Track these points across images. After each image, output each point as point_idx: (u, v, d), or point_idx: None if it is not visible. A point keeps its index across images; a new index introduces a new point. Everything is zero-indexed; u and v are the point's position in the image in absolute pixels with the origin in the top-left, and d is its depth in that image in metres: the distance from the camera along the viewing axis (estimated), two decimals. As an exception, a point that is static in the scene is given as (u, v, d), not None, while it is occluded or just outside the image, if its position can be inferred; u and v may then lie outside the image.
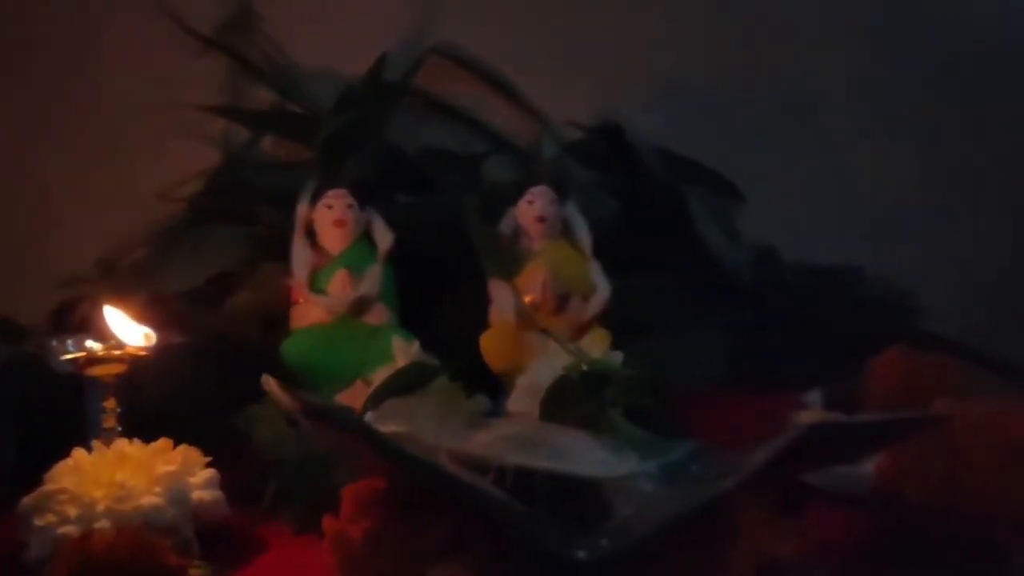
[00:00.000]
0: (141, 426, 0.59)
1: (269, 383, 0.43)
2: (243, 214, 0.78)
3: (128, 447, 0.54)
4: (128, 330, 0.56)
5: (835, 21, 0.92)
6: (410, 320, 0.74)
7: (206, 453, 0.58)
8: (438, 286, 0.77)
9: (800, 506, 0.47)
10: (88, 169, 0.84)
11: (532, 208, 0.73)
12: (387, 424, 0.46)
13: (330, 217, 0.71)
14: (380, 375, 0.68)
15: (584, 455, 0.43)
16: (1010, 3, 0.93)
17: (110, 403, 0.57)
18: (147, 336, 0.55)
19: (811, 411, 0.65)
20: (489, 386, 0.71)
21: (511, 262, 0.72)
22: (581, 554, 0.40)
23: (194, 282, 0.74)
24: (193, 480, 0.53)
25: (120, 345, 0.56)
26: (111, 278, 0.79)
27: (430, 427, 0.45)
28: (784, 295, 0.85)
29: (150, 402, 0.60)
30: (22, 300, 0.78)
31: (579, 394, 0.63)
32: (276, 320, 0.73)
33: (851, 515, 0.52)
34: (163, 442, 0.55)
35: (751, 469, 0.41)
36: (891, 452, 0.50)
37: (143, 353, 0.55)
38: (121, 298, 0.71)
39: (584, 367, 0.64)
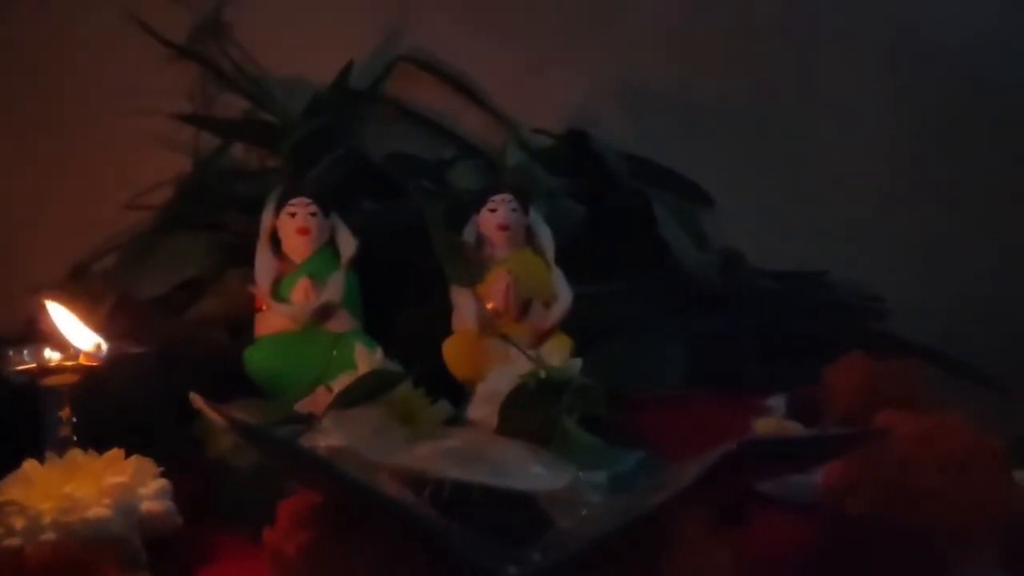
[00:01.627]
0: (100, 436, 0.60)
1: (197, 400, 0.43)
2: (212, 221, 0.78)
3: (80, 457, 0.54)
4: (81, 337, 0.57)
5: (803, 26, 0.92)
6: (375, 327, 0.74)
7: (164, 462, 0.58)
8: (404, 293, 0.77)
9: (740, 522, 0.47)
10: (60, 176, 0.85)
11: (494, 216, 0.73)
12: (326, 438, 0.46)
13: (293, 225, 0.71)
14: (342, 382, 0.69)
15: (520, 469, 0.43)
16: (981, 9, 0.94)
17: (65, 413, 0.57)
18: (97, 346, 0.56)
19: (766, 419, 0.66)
20: (453, 393, 0.72)
21: (473, 269, 0.73)
22: (512, 570, 0.40)
23: (163, 289, 0.75)
24: (143, 491, 0.53)
25: (74, 355, 0.57)
26: (83, 284, 0.80)
27: (371, 441, 0.45)
28: (751, 300, 0.86)
29: (108, 411, 0.61)
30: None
31: (535, 402, 0.63)
32: (242, 327, 0.74)
33: (798, 524, 0.52)
34: (114, 452, 0.55)
35: (683, 485, 0.41)
36: (836, 462, 0.50)
37: (95, 363, 0.56)
38: (90, 305, 0.73)
39: (541, 375, 0.65)
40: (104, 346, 0.56)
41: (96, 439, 0.59)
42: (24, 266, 0.82)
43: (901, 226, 0.93)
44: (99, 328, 0.69)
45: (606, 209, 0.83)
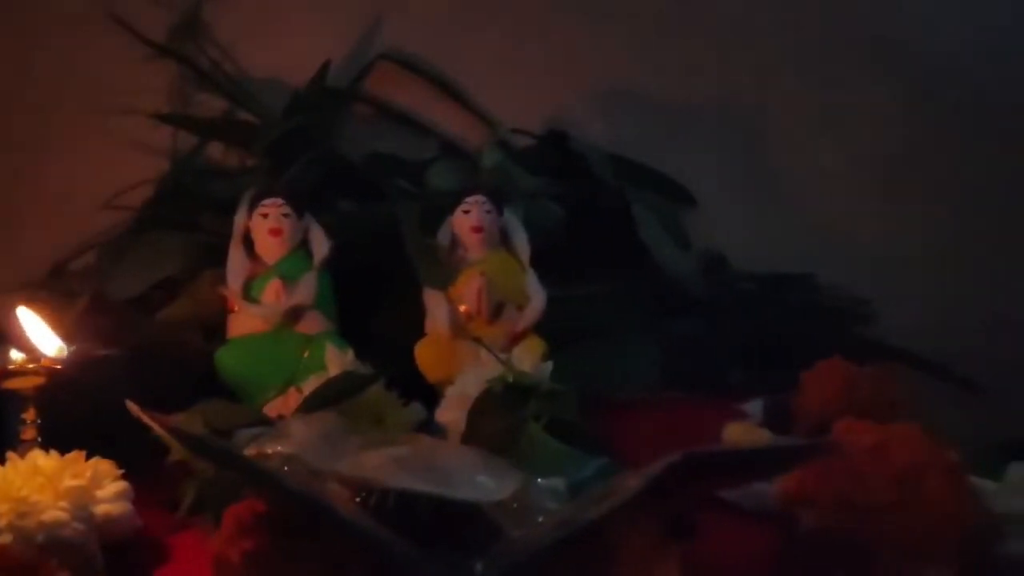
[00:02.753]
0: (65, 438, 0.60)
1: (135, 409, 0.43)
2: (188, 221, 0.78)
3: (41, 460, 0.54)
4: (44, 341, 0.57)
5: (787, 26, 0.91)
6: (350, 328, 0.74)
7: (128, 465, 0.59)
8: (380, 295, 0.77)
9: (691, 532, 0.47)
10: (39, 175, 0.85)
11: (468, 218, 0.73)
12: (275, 445, 0.46)
13: (265, 226, 0.71)
14: (312, 384, 0.69)
15: (467, 479, 0.43)
16: (971, 12, 0.92)
17: (29, 415, 0.58)
18: (60, 349, 0.56)
19: (736, 425, 0.65)
20: (428, 395, 0.72)
21: (446, 271, 0.72)
22: (451, 581, 0.40)
23: (138, 289, 0.75)
24: (101, 493, 0.53)
25: (38, 358, 0.57)
26: (62, 284, 0.80)
27: (320, 448, 0.45)
28: (732, 303, 0.85)
29: (73, 414, 0.61)
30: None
31: (501, 407, 0.63)
32: (216, 328, 0.74)
33: (752, 534, 0.52)
34: (74, 455, 0.55)
35: (626, 495, 0.41)
36: (791, 473, 0.50)
37: (58, 367, 0.56)
38: (67, 304, 0.73)
39: (508, 379, 0.65)
40: (67, 349, 0.56)
41: (62, 442, 0.60)
42: (3, 265, 0.82)
43: (888, 229, 0.92)
44: (71, 329, 0.70)
45: (586, 210, 0.83)
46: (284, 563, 0.42)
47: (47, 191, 0.85)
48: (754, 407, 0.75)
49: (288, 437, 0.46)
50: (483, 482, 0.43)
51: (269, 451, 0.45)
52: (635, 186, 0.88)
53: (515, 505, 0.47)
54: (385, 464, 0.44)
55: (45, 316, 0.62)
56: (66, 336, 0.70)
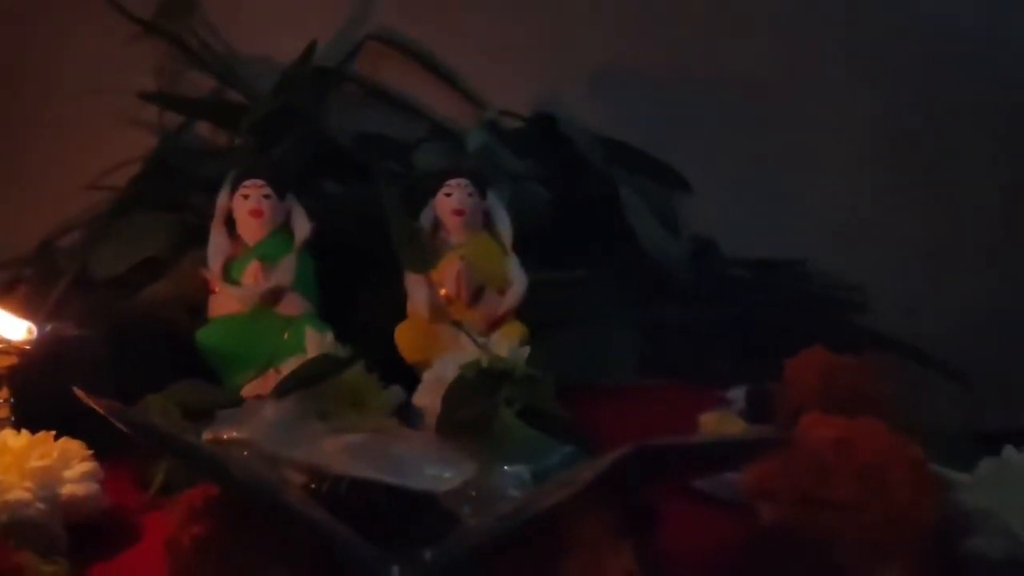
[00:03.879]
0: (43, 417, 0.60)
1: (79, 394, 0.43)
2: (174, 201, 0.78)
3: (11, 439, 0.55)
4: (12, 323, 0.57)
5: (787, 11, 0.89)
6: (334, 310, 0.74)
7: (106, 444, 0.59)
8: (363, 277, 0.77)
9: (650, 525, 0.47)
10: (27, 152, 0.85)
11: (449, 201, 0.72)
12: (230, 431, 0.46)
13: (246, 207, 0.71)
14: (291, 366, 0.69)
15: (418, 467, 0.43)
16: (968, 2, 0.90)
17: (2, 394, 0.58)
18: (29, 330, 0.56)
19: (712, 414, 0.64)
20: (409, 379, 0.71)
21: (426, 254, 0.72)
22: (395, 569, 0.40)
23: (120, 268, 0.75)
24: (68, 473, 0.53)
25: (8, 339, 0.57)
26: (49, 262, 0.81)
27: (275, 434, 0.45)
28: (721, 289, 0.84)
29: (49, 393, 0.61)
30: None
31: (474, 393, 0.63)
32: (200, 308, 0.74)
33: (713, 526, 0.51)
34: (43, 435, 0.55)
35: (576, 487, 0.41)
36: (756, 466, 0.49)
37: (28, 347, 0.56)
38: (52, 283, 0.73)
39: (483, 364, 0.64)
40: (37, 330, 0.56)
41: (38, 421, 0.60)
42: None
43: (883, 216, 0.90)
44: (53, 308, 0.70)
45: (573, 194, 0.82)
46: (233, 548, 0.42)
47: (36, 169, 0.85)
48: (737, 395, 0.75)
49: (246, 422, 0.46)
50: (434, 471, 0.43)
51: (225, 436, 0.45)
52: (627, 170, 0.86)
53: (474, 493, 0.47)
54: (339, 451, 0.44)
55: (22, 296, 0.63)
56: (47, 315, 0.71)
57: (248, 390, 0.69)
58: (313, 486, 0.44)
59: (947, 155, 0.90)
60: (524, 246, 0.74)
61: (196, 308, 0.74)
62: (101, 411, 0.42)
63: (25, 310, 0.74)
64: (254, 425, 0.46)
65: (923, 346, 0.83)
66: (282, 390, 0.66)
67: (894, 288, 0.86)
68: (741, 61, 0.89)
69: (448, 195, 0.72)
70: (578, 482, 0.41)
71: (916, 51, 0.90)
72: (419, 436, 0.48)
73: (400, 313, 0.73)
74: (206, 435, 0.47)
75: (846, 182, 0.90)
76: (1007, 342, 0.86)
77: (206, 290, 0.72)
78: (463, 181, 0.72)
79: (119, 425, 0.42)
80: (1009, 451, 0.52)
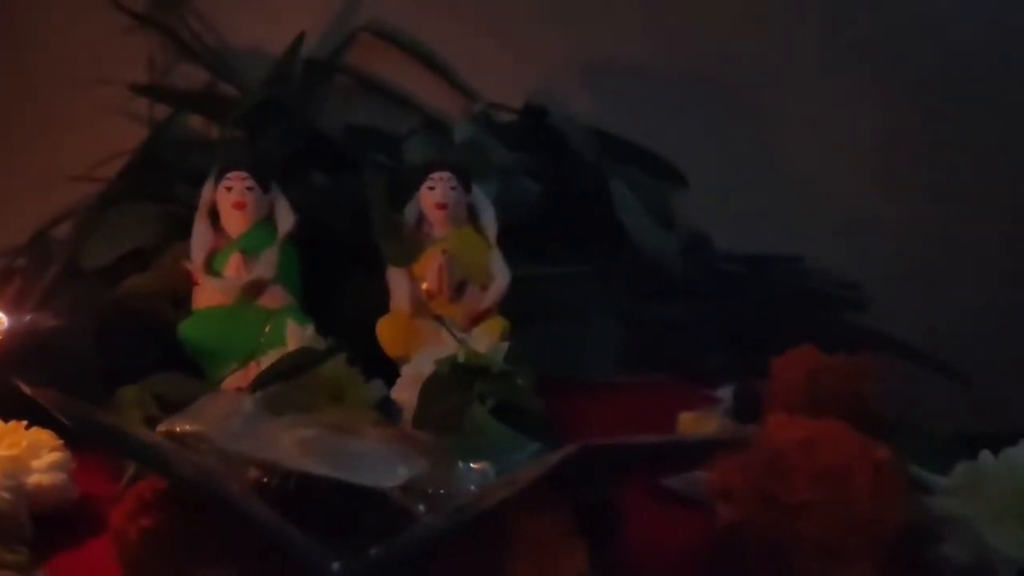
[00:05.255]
0: (20, 407, 0.60)
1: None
2: (162, 193, 0.78)
3: (-18, 429, 0.55)
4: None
5: (783, 4, 0.87)
6: (317, 303, 0.74)
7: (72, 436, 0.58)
8: (348, 270, 0.77)
9: (607, 527, 0.46)
10: (21, 144, 0.85)
11: (432, 194, 0.71)
12: (183, 424, 0.46)
13: (229, 199, 0.71)
14: (271, 358, 0.69)
15: (369, 463, 0.42)
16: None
17: (-23, 383, 0.59)
18: (1, 320, 0.57)
19: (690, 413, 0.63)
20: (392, 373, 0.71)
21: (409, 248, 0.71)
22: (335, 566, 0.39)
23: (108, 259, 0.75)
24: (36, 463, 0.54)
25: (-21, 328, 0.58)
26: (42, 252, 0.81)
27: (231, 428, 0.45)
28: (715, 285, 0.83)
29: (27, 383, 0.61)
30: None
31: (447, 389, 0.62)
32: (184, 299, 0.74)
33: (681, 522, 0.50)
34: (13, 424, 0.55)
35: (520, 486, 0.40)
36: (719, 466, 0.48)
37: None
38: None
39: (459, 360, 0.64)
40: (5, 321, 0.57)
41: (15, 411, 0.61)
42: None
43: (884, 212, 0.88)
44: (42, 298, 0.71)
45: (564, 187, 0.81)
46: (179, 542, 0.42)
47: (30, 160, 0.85)
48: (725, 393, 0.74)
49: (201, 416, 0.46)
50: (385, 467, 0.42)
51: (178, 429, 0.45)
52: (621, 164, 0.86)
53: (430, 491, 0.47)
54: (291, 446, 0.44)
55: (4, 288, 0.64)
56: (36, 306, 0.72)
57: (230, 383, 0.69)
58: (265, 480, 0.44)
59: (947, 152, 0.88)
60: (513, 240, 0.73)
61: (180, 300, 0.74)
62: (40, 402, 0.42)
63: (17, 300, 0.76)
64: (208, 419, 0.45)
65: (921, 345, 0.82)
66: (261, 383, 0.66)
67: (892, 286, 0.84)
68: (737, 55, 0.88)
69: (431, 188, 0.71)
70: (521, 481, 0.40)
71: (915, 46, 0.88)
72: (379, 431, 0.48)
73: (383, 307, 0.73)
74: (160, 428, 0.47)
75: (845, 178, 0.89)
76: (1007, 341, 0.84)
77: (190, 282, 0.73)
78: (446, 175, 0.71)
79: (59, 417, 0.42)
80: (985, 456, 0.50)
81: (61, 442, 0.57)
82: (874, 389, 0.66)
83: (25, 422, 0.57)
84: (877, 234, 0.88)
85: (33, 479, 0.53)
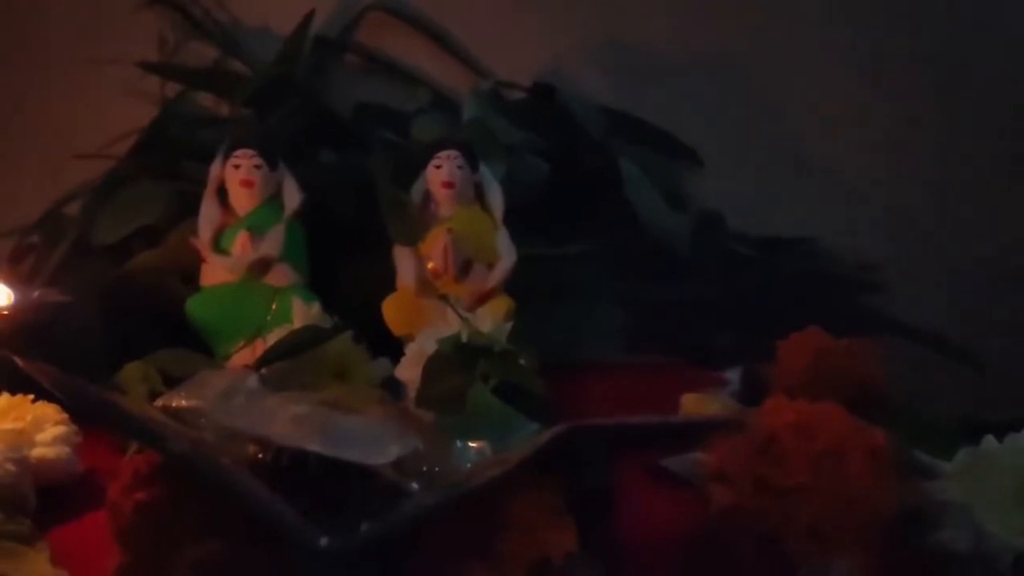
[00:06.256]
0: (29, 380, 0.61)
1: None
2: (172, 170, 0.78)
3: (-10, 402, 0.56)
4: (-5, 289, 0.58)
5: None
6: (324, 281, 0.74)
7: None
8: (355, 249, 0.77)
9: (600, 508, 0.46)
10: (34, 121, 0.86)
11: (439, 173, 0.71)
12: (180, 399, 0.46)
13: (236, 177, 0.71)
14: (277, 336, 0.69)
15: (361, 440, 0.42)
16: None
17: (-14, 357, 0.59)
18: (8, 296, 0.57)
19: (694, 395, 0.63)
20: (395, 350, 0.71)
21: (414, 227, 0.71)
22: (323, 540, 0.40)
23: (117, 236, 0.76)
24: (40, 437, 0.54)
25: (-9, 304, 0.58)
26: (54, 229, 0.82)
27: (228, 404, 0.45)
28: (726, 266, 0.82)
29: (35, 358, 0.62)
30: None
31: (450, 368, 0.62)
32: (192, 277, 0.74)
33: (676, 503, 0.50)
34: (20, 398, 0.56)
35: (509, 464, 0.40)
36: (713, 447, 0.48)
37: (3, 312, 0.57)
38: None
39: (462, 339, 0.64)
40: (12, 296, 0.57)
41: (24, 385, 0.61)
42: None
43: (900, 192, 0.87)
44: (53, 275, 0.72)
45: (573, 166, 0.81)
46: (168, 515, 0.42)
47: (41, 138, 0.86)
48: (732, 375, 0.73)
49: (199, 392, 0.46)
50: (377, 444, 0.42)
51: (174, 404, 0.45)
52: (633, 143, 0.85)
53: (425, 468, 0.47)
54: (285, 422, 0.44)
55: (18, 264, 0.64)
56: (46, 282, 0.73)
57: (236, 359, 0.70)
58: (260, 456, 0.45)
59: (964, 133, 0.86)
60: (521, 219, 0.73)
61: (189, 277, 0.75)
62: (35, 376, 0.42)
63: (30, 276, 0.77)
64: (207, 395, 0.46)
65: (937, 330, 0.80)
66: (266, 359, 0.67)
67: (913, 267, 0.83)
68: (751, 33, 0.86)
69: (438, 167, 0.71)
70: (511, 460, 0.40)
71: (930, 26, 0.86)
72: (378, 409, 0.48)
73: (389, 285, 0.73)
74: (159, 402, 0.47)
75: (862, 158, 0.87)
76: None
77: (198, 259, 0.73)
78: (453, 153, 0.71)
79: (54, 391, 0.42)
80: (988, 441, 0.49)
81: (65, 416, 0.58)
82: (879, 373, 0.65)
83: (31, 396, 0.58)
84: (893, 216, 0.86)
85: (37, 452, 0.54)
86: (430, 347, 0.66)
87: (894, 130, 0.87)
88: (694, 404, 0.62)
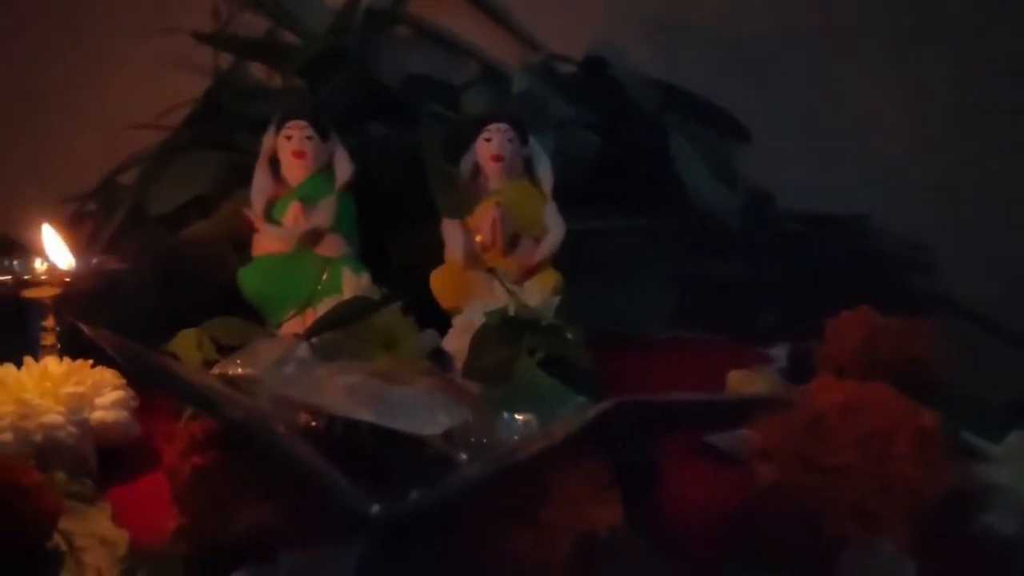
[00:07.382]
0: (88, 346, 0.63)
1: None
2: (225, 141, 0.80)
3: (52, 366, 0.58)
4: (59, 254, 0.60)
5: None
6: (374, 253, 0.75)
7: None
8: (405, 220, 0.77)
9: (645, 482, 0.46)
10: (91, 92, 0.88)
11: (489, 146, 0.71)
12: (236, 367, 0.47)
13: (289, 148, 0.72)
14: (327, 306, 0.70)
15: (411, 411, 0.43)
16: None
17: (48, 322, 0.61)
18: (72, 263, 0.59)
19: (741, 372, 0.63)
20: (442, 322, 0.72)
21: (463, 200, 0.71)
22: (375, 508, 0.40)
23: (170, 206, 0.77)
24: (99, 400, 0.56)
25: (53, 270, 0.60)
26: (110, 198, 0.84)
27: (283, 372, 0.46)
28: (776, 244, 0.81)
29: (95, 323, 0.64)
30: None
31: (497, 341, 0.63)
32: (245, 246, 0.76)
33: (722, 479, 0.50)
34: (80, 363, 0.58)
35: (555, 439, 0.40)
36: (759, 425, 0.48)
37: (67, 278, 0.59)
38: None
39: (509, 312, 0.64)
40: (75, 263, 0.59)
41: (83, 349, 0.63)
42: (55, 177, 0.86)
43: (955, 171, 0.85)
44: (109, 242, 0.73)
45: (623, 141, 0.80)
46: (227, 479, 0.43)
47: (97, 109, 0.88)
48: (779, 352, 0.73)
49: (254, 360, 0.47)
50: (427, 415, 0.43)
51: (230, 372, 0.46)
52: (684, 118, 0.84)
53: (473, 440, 0.48)
54: (337, 392, 0.45)
55: (75, 231, 0.66)
56: (103, 249, 0.74)
57: (287, 329, 0.71)
58: (313, 424, 0.46)
59: (1016, 113, 0.84)
60: (570, 193, 0.73)
61: (241, 246, 0.76)
62: (99, 342, 0.44)
63: (87, 243, 0.78)
64: (261, 363, 0.47)
65: (990, 311, 0.79)
66: (316, 329, 0.68)
67: (960, 249, 0.82)
68: (802, 9, 0.85)
69: (488, 140, 0.71)
70: (558, 433, 0.40)
71: (982, 6, 0.84)
72: (427, 380, 0.48)
73: (438, 258, 0.74)
74: (215, 369, 0.48)
75: (913, 136, 0.86)
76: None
77: (250, 229, 0.75)
78: (503, 126, 0.71)
79: (115, 356, 0.44)
80: (1039, 425, 0.49)
81: (123, 381, 0.60)
82: (930, 353, 0.65)
83: (91, 361, 0.60)
84: (945, 195, 0.85)
85: (97, 415, 0.56)
86: (477, 320, 0.67)
87: (948, 108, 0.85)
88: (741, 381, 0.62)
